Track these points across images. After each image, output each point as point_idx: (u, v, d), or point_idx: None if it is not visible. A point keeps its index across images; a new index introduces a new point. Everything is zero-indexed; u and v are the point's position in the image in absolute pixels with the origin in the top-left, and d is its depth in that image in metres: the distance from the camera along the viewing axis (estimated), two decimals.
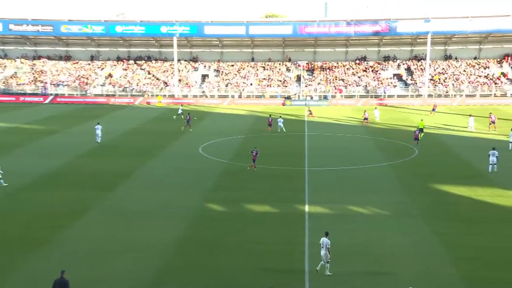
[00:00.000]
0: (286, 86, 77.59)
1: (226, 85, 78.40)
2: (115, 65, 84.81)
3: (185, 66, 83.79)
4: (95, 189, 29.83)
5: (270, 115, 51.92)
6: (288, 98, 74.20)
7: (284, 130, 48.49)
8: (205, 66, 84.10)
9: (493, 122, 48.43)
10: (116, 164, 36.20)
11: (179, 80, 79.23)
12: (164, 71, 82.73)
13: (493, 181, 30.55)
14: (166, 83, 79.51)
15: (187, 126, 50.74)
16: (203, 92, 77.93)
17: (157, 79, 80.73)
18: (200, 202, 27.32)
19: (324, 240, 18.84)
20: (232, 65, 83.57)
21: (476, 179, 31.26)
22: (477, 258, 19.76)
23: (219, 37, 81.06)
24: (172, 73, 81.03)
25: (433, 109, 60.46)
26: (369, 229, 22.91)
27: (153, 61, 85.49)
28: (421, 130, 43.88)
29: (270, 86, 77.71)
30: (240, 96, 76.28)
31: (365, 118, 54.02)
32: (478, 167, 34.20)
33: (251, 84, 78.38)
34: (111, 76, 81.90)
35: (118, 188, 30.16)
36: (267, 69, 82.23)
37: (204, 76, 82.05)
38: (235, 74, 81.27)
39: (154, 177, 32.77)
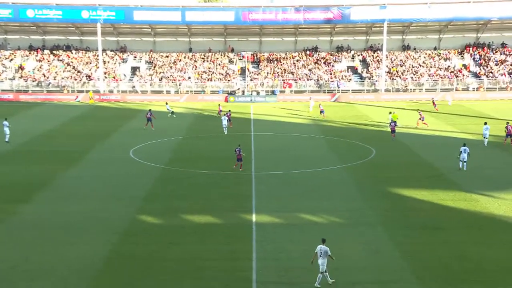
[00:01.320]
0: (229, 80, 77.73)
1: (160, 79, 77.57)
2: (27, 56, 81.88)
3: (112, 57, 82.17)
4: (5, 201, 28.73)
5: (229, 110, 53.77)
6: (232, 93, 74.34)
7: (225, 133, 48.28)
8: (135, 57, 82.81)
9: (422, 119, 50.78)
10: (31, 172, 35.04)
11: (105, 73, 77.59)
12: (87, 63, 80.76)
13: (455, 183, 31.88)
14: (89, 76, 77.66)
15: (147, 124, 50.90)
16: (133, 87, 76.73)
17: (79, 72, 78.69)
18: (131, 213, 26.89)
19: (322, 248, 19.26)
20: (167, 56, 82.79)
21: (437, 181, 32.52)
22: (439, 270, 20.51)
23: (151, 24, 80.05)
24: (96, 65, 79.23)
25: (434, 105, 62.12)
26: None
27: (73, 51, 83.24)
28: (395, 123, 46.63)
29: (211, 80, 77.60)
30: (176, 92, 75.70)
31: (321, 111, 56.76)
32: (439, 167, 35.60)
33: (189, 78, 77.96)
34: (22, 69, 78.99)
35: (34, 199, 29.23)
36: (207, 61, 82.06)
37: (134, 69, 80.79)
38: (171, 67, 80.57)
39: (76, 186, 31.97)
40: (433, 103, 62.64)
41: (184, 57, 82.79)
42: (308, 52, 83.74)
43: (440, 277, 19.87)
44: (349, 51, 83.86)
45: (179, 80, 77.22)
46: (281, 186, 31.73)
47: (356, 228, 24.85)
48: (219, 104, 62.56)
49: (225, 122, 49.01)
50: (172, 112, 58.71)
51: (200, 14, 77.09)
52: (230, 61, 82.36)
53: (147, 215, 26.80)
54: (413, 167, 36.01)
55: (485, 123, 43.36)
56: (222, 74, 79.02)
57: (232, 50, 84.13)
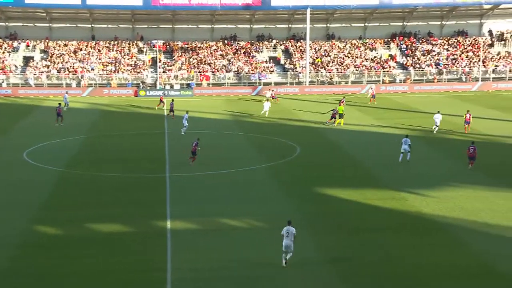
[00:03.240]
0: (138, 72, 76.66)
1: (59, 71, 75.21)
2: None
3: (0, 46, 78.76)
4: None
5: (172, 100, 55.51)
6: (142, 87, 73.35)
7: (182, 133, 46.43)
8: (28, 45, 79.76)
9: (335, 117, 52.39)
10: None
11: None
12: None
13: (383, 181, 33.14)
14: None
15: (62, 120, 50.26)
16: (26, 80, 73.88)
17: None
18: (26, 225, 25.99)
19: (290, 228, 21.47)
20: (66, 45, 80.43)
21: (364, 179, 33.66)
22: (367, 275, 21.17)
23: (46, 7, 77.52)
24: None
25: (373, 96, 64.32)
26: (244, 246, 23.54)
27: None
28: (340, 115, 50.29)
29: (118, 72, 76.22)
30: (78, 85, 73.69)
31: (274, 97, 62.18)
32: (367, 165, 36.90)
33: (92, 70, 76.13)
34: None
35: None
36: (113, 51, 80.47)
37: (27, 59, 77.87)
38: (71, 57, 78.31)
39: None
40: (372, 95, 64.58)
41: (86, 46, 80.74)
42: (226, 41, 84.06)
43: (368, 283, 20.58)
44: (270, 40, 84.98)
45: (80, 72, 75.20)
46: (199, 189, 31.70)
47: (280, 232, 25.21)
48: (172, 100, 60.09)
49: (185, 122, 46.58)
50: (66, 105, 57.52)
51: None
52: (140, 51, 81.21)
53: (46, 225, 25.98)
54: (339, 166, 37.05)
55: (438, 112, 47.42)
56: (130, 65, 77.77)
57: (142, 39, 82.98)
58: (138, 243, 24.06)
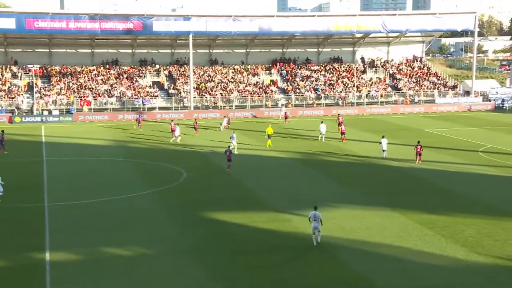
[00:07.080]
0: (13, 98, 73.08)
1: None
2: None
3: None
4: None
5: (195, 120, 55.29)
6: (17, 113, 70.03)
7: (235, 151, 47.15)
8: None
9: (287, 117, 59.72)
10: None
11: None
12: None
13: (268, 203, 33.67)
14: None
15: (2, 148, 48.08)
16: None
17: None
18: None
19: (316, 213, 25.61)
20: None
21: (250, 202, 34.00)
22: None
23: None
24: None
25: (286, 117, 68.62)
26: (133, 275, 22.94)
27: None
28: (268, 136, 52.65)
29: None
30: None
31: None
32: (252, 187, 37.32)
33: None
34: None
35: None
36: None
37: None
38: None
39: None
40: (286, 116, 68.62)
41: None
42: (107, 66, 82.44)
43: None
44: (153, 65, 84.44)
45: None
46: (81, 218, 30.56)
47: (169, 258, 24.85)
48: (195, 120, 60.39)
49: (233, 141, 48.92)
50: None
51: None
52: (14, 76, 77.55)
53: None
54: (225, 189, 37.22)
55: (383, 136, 47.92)
56: (4, 91, 73.99)
57: (16, 63, 79.36)
58: (14, 277, 22.66)
